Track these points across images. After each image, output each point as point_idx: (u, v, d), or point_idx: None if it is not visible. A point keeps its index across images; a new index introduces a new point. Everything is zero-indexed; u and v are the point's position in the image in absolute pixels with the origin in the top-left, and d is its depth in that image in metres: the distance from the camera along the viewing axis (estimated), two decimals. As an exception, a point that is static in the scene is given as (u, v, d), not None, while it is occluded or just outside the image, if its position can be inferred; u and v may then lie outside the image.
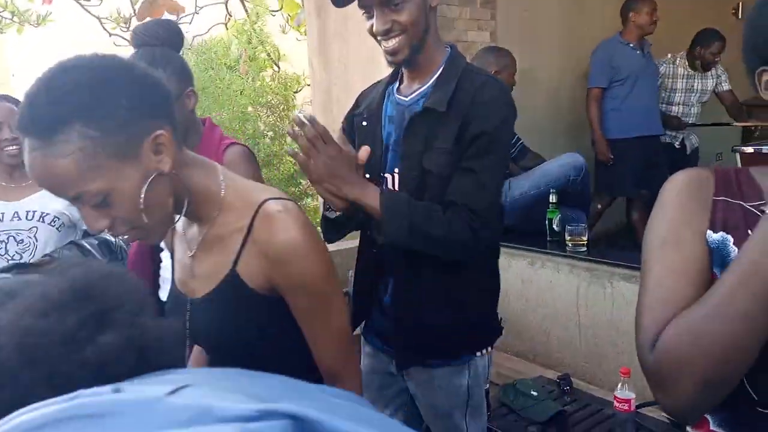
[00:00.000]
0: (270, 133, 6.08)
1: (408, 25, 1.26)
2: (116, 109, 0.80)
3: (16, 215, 1.88)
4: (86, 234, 1.92)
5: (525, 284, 2.71)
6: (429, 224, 1.24)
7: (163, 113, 0.86)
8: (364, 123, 1.44)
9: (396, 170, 1.36)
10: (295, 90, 6.24)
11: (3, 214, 1.88)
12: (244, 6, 5.21)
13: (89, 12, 4.28)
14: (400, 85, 1.42)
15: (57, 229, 1.91)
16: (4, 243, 1.86)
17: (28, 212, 1.89)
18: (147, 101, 0.84)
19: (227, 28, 5.36)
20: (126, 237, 0.88)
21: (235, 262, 0.94)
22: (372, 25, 1.28)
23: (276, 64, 6.13)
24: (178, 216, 0.93)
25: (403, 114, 1.36)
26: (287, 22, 5.09)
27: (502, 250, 2.68)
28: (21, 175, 1.92)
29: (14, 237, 1.87)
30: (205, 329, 1.01)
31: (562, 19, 4.03)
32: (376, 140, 1.39)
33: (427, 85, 1.34)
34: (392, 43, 1.27)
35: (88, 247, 1.82)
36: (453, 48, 1.38)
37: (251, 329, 0.97)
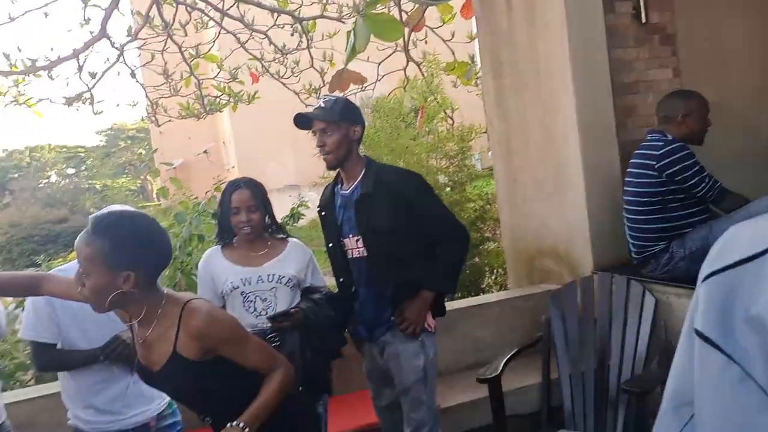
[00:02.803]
0: (450, 183, 5.96)
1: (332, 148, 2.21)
2: (120, 253, 1.47)
3: (260, 279, 2.26)
4: (309, 290, 2.32)
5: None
6: (455, 262, 2.33)
7: (143, 268, 1.51)
8: (324, 213, 2.40)
9: (350, 236, 2.28)
10: (469, 140, 6.28)
11: (250, 278, 2.26)
12: (421, 71, 5.90)
13: (287, 87, 5.47)
14: (341, 185, 2.33)
15: (291, 288, 2.29)
16: (252, 302, 2.26)
17: (269, 275, 2.27)
18: (136, 257, 1.49)
19: (405, 90, 6.23)
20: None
21: (175, 345, 1.53)
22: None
23: (450, 118, 6.65)
24: (136, 318, 1.57)
25: (347, 200, 2.29)
26: (458, 77, 5.37)
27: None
28: (259, 246, 2.31)
29: (259, 296, 2.26)
30: (169, 391, 1.77)
31: (750, 40, 3.66)
32: (333, 221, 2.33)
33: (357, 181, 2.26)
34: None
35: (319, 298, 2.25)
36: (367, 158, 2.34)
37: (202, 383, 1.58)
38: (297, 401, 1.81)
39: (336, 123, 2.20)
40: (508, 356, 2.61)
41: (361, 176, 2.27)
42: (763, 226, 0.49)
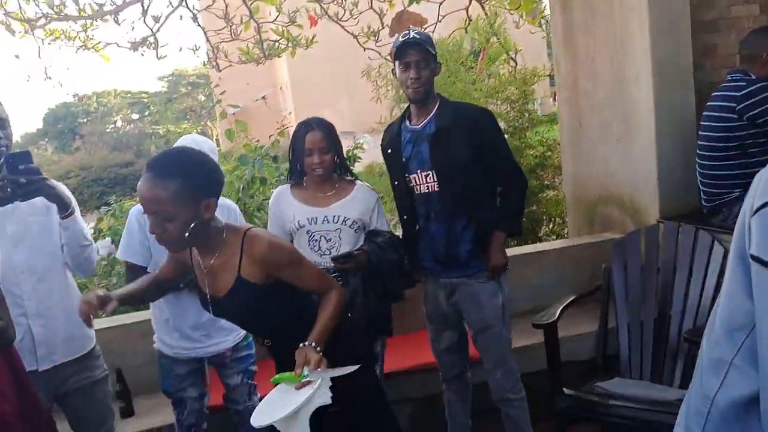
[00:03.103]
0: (510, 129, 5.78)
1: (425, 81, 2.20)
2: (196, 184, 1.56)
3: (325, 219, 2.28)
4: (374, 233, 2.31)
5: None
6: (519, 203, 2.35)
7: (215, 192, 1.62)
8: (389, 151, 2.37)
9: (418, 171, 2.27)
10: (532, 84, 6.11)
11: (317, 218, 2.28)
12: (484, 10, 5.57)
13: (346, 30, 5.13)
14: (409, 121, 2.32)
15: (355, 231, 2.30)
16: (317, 241, 2.28)
17: (334, 216, 2.28)
18: (209, 184, 1.61)
19: (467, 31, 5.90)
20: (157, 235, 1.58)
21: (239, 270, 1.64)
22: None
23: (513, 60, 6.30)
24: (204, 244, 1.67)
25: (418, 136, 2.28)
26: (521, 17, 5.11)
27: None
28: (327, 187, 2.32)
29: (324, 236, 2.28)
30: (233, 316, 1.81)
31: None
32: (398, 158, 2.31)
33: (431, 116, 2.26)
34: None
35: (382, 242, 2.26)
36: (440, 94, 2.32)
37: (264, 305, 1.68)
38: (352, 337, 1.88)
39: (431, 56, 2.21)
40: (565, 303, 2.60)
41: (434, 111, 2.26)
42: None
